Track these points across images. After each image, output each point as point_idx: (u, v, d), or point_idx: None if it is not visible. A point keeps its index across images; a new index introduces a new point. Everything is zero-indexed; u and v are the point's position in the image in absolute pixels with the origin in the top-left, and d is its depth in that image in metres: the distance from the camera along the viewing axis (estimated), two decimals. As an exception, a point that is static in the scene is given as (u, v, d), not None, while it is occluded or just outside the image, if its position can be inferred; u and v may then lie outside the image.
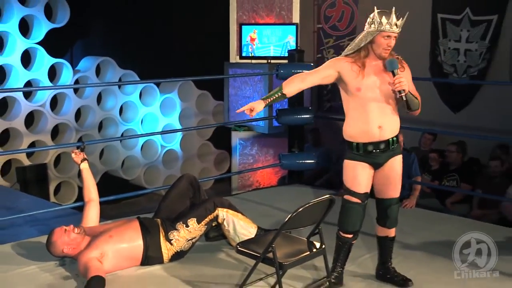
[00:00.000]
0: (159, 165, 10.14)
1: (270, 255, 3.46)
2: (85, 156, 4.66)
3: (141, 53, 9.65)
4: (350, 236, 3.90)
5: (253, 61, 9.15)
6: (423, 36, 8.76)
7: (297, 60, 6.78)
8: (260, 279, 3.87)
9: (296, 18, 9.22)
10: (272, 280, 3.88)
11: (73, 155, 4.65)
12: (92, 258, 3.94)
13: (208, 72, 8.44)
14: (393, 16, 3.67)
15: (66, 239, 4.04)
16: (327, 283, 3.77)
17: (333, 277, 3.87)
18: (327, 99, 10.18)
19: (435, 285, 3.99)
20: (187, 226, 4.26)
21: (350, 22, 9.79)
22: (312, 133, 8.85)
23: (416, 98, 3.79)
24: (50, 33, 8.92)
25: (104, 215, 4.70)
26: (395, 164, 3.88)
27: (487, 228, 5.39)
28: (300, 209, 3.42)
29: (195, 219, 4.28)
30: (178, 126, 10.03)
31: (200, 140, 10.49)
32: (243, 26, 9.19)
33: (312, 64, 6.99)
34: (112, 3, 9.23)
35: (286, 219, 3.41)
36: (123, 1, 9.27)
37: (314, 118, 6.97)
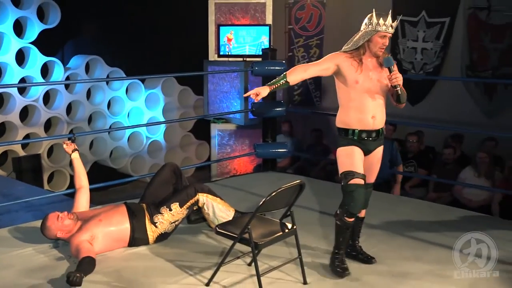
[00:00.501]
0: (144, 155, 10.11)
1: (246, 235, 3.47)
2: (76, 147, 4.64)
3: (127, 52, 9.60)
4: (353, 219, 3.86)
5: (230, 59, 9.12)
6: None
7: (270, 58, 6.78)
8: (238, 257, 3.88)
9: (269, 20, 9.21)
10: (248, 258, 3.90)
11: (64, 146, 4.63)
12: (83, 240, 3.93)
13: (189, 69, 8.43)
14: (389, 18, 3.72)
15: (60, 224, 4.04)
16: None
17: (337, 262, 3.83)
18: (297, 94, 10.21)
19: (395, 261, 4.03)
20: (170, 210, 4.26)
21: (318, 23, 9.82)
22: (284, 125, 8.87)
23: (404, 92, 3.87)
24: (43, 34, 8.84)
25: (94, 201, 4.69)
26: (379, 153, 3.97)
27: (441, 209, 5.49)
28: (273, 194, 3.43)
29: (177, 203, 4.29)
30: (162, 119, 10.01)
31: (182, 131, 10.48)
32: (220, 27, 9.16)
33: (283, 61, 6.99)
34: (100, 6, 9.15)
35: (261, 202, 3.42)
36: (111, 4, 9.19)
37: (286, 111, 6.99)
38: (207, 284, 3.65)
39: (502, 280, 3.74)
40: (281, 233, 3.68)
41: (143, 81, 9.97)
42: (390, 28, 3.74)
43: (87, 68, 9.41)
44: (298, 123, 9.38)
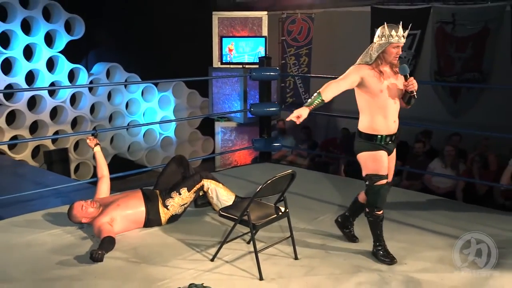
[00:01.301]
0: (157, 149, 10.11)
1: (246, 218, 3.47)
2: (98, 142, 4.64)
3: (142, 60, 9.58)
4: (382, 212, 3.78)
5: (231, 66, 9.12)
6: (364, 46, 8.79)
7: (266, 65, 6.77)
8: (238, 237, 3.87)
9: (265, 32, 9.21)
10: (247, 237, 3.90)
11: (88, 141, 4.65)
12: (104, 222, 3.94)
13: (196, 75, 8.43)
14: (400, 30, 3.59)
15: (84, 212, 4.05)
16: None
17: (381, 254, 3.71)
18: (289, 96, 10.20)
19: (371, 240, 4.02)
20: (180, 194, 4.27)
21: (307, 35, 9.81)
22: (278, 123, 8.87)
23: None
24: (69, 44, 8.83)
25: (114, 188, 4.68)
26: (394, 154, 3.87)
27: (413, 195, 5.49)
28: (269, 181, 3.43)
29: (186, 188, 4.30)
30: (172, 118, 10.00)
31: (190, 128, 10.47)
32: (223, 38, 9.16)
33: (277, 68, 6.98)
34: (119, 20, 9.13)
35: (258, 189, 3.43)
36: (129, 19, 9.17)
37: (279, 111, 6.99)
38: (212, 260, 3.65)
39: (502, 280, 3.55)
40: (275, 215, 3.68)
41: (156, 85, 9.96)
42: (402, 38, 3.62)
43: (108, 74, 9.40)
44: (290, 121, 9.36)
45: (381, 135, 3.69)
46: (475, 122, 7.59)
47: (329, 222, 4.42)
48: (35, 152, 8.67)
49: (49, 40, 8.71)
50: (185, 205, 4.34)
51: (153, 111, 10.02)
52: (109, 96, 9.56)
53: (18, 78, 8.33)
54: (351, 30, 9.09)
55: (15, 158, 8.15)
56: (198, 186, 4.36)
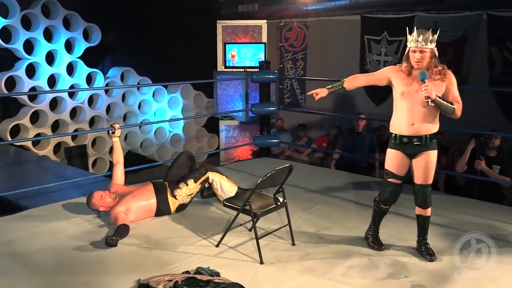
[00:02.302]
0: (167, 145, 10.10)
1: (248, 207, 3.47)
2: (116, 134, 4.65)
3: (153, 64, 9.57)
4: (387, 207, 3.69)
5: (234, 69, 9.10)
6: (355, 51, 8.79)
7: (265, 68, 6.75)
8: (240, 224, 3.87)
9: (264, 39, 9.18)
10: (249, 225, 3.89)
11: (110, 132, 4.70)
12: (120, 211, 3.94)
13: (202, 78, 8.40)
14: (416, 33, 3.31)
15: (102, 202, 4.04)
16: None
17: (371, 240, 3.66)
18: (286, 97, 10.18)
19: (362, 228, 4.01)
20: (187, 184, 4.27)
21: (303, 41, 9.78)
22: (277, 121, 8.86)
23: (449, 104, 3.37)
24: (87, 50, 8.81)
25: (128, 181, 4.67)
26: (426, 158, 3.48)
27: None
28: (268, 174, 3.42)
29: (192, 179, 4.30)
30: (181, 117, 9.98)
31: (197, 126, 10.46)
32: (226, 44, 9.13)
33: (276, 71, 6.95)
34: (132, 29, 9.11)
35: (259, 181, 3.42)
36: (141, 28, 9.15)
37: (278, 110, 6.96)
38: (217, 246, 3.64)
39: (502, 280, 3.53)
40: (274, 205, 3.67)
41: (166, 87, 9.95)
42: (417, 42, 3.31)
43: (122, 77, 9.38)
44: (288, 120, 9.36)
45: (396, 134, 3.52)
46: (455, 120, 7.56)
47: (322, 212, 4.41)
48: (57, 148, 8.67)
49: (68, 46, 8.69)
50: (192, 195, 4.33)
51: (163, 110, 10.01)
52: (123, 97, 9.54)
53: (41, 81, 8.32)
54: (343, 37, 9.08)
55: (38, 154, 8.14)
56: (203, 177, 4.36)
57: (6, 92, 7.89)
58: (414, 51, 3.34)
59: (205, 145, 10.57)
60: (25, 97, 8.19)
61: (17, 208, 4.59)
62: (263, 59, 8.72)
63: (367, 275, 3.24)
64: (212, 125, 10.23)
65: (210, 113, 10.05)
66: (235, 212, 3.61)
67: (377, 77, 3.63)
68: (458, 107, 3.41)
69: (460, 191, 5.87)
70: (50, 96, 8.46)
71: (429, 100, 3.29)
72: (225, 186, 4.45)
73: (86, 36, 8.87)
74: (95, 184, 5.19)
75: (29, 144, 8.18)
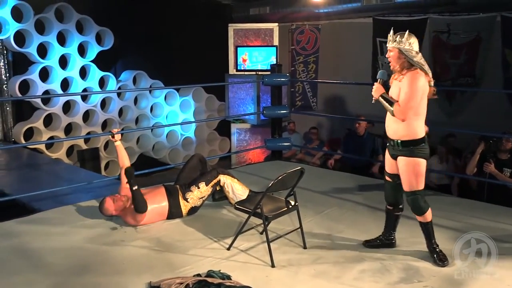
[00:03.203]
0: (179, 148, 10.12)
1: (259, 210, 3.46)
2: (117, 139, 4.56)
3: (165, 68, 9.60)
4: (390, 207, 3.65)
5: (246, 73, 9.11)
6: (366, 54, 8.75)
7: (277, 72, 6.75)
8: (252, 228, 3.87)
9: (276, 42, 9.18)
10: (260, 228, 3.88)
11: (111, 137, 4.65)
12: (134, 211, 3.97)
13: (213, 81, 8.42)
14: (391, 33, 3.35)
15: (115, 205, 4.05)
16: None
17: (384, 237, 3.67)
18: (298, 100, 10.17)
19: (375, 231, 3.98)
20: (198, 188, 4.27)
21: (315, 44, 9.77)
22: (288, 124, 8.85)
23: (389, 104, 3.31)
24: (100, 54, 8.86)
25: (141, 184, 4.67)
26: (401, 163, 3.39)
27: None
28: (280, 177, 3.42)
29: (204, 182, 4.30)
30: (192, 120, 10.00)
31: (208, 130, 10.47)
32: (238, 48, 9.14)
33: (287, 74, 6.94)
34: (144, 33, 9.17)
35: (270, 184, 3.41)
36: (153, 31, 9.20)
37: (289, 113, 6.96)
38: (228, 249, 3.64)
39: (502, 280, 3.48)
40: (286, 208, 3.66)
41: (178, 90, 9.97)
42: (390, 42, 3.34)
43: (134, 80, 9.42)
44: (300, 123, 9.35)
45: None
46: (468, 122, 7.52)
47: (334, 215, 4.39)
48: (70, 151, 8.72)
49: (81, 50, 8.76)
50: (203, 198, 4.33)
51: (175, 114, 10.04)
52: (136, 100, 9.59)
53: (54, 84, 8.39)
54: (355, 40, 9.05)
55: (51, 157, 8.21)
56: (215, 180, 4.36)
57: (20, 95, 7.97)
58: (388, 51, 3.42)
59: (216, 148, 10.58)
60: (39, 100, 8.27)
61: (30, 210, 4.64)
62: (274, 62, 8.72)
63: (379, 279, 3.22)
64: (223, 128, 10.24)
65: (222, 116, 10.06)
66: (246, 215, 3.60)
67: None
68: (396, 109, 3.27)
69: (474, 195, 5.82)
70: (63, 99, 8.52)
71: (373, 100, 3.38)
72: (236, 189, 4.44)
73: (99, 40, 8.93)
74: (108, 187, 5.22)
75: (42, 147, 8.25)
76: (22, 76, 8.11)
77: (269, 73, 7.10)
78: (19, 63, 8.39)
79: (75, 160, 8.59)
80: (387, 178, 3.61)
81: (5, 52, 8.35)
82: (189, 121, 9.98)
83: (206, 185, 4.31)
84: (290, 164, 6.60)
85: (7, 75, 8.41)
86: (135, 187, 3.94)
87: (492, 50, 7.65)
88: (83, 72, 8.82)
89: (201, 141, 10.37)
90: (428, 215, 3.46)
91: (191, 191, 4.26)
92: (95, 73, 8.86)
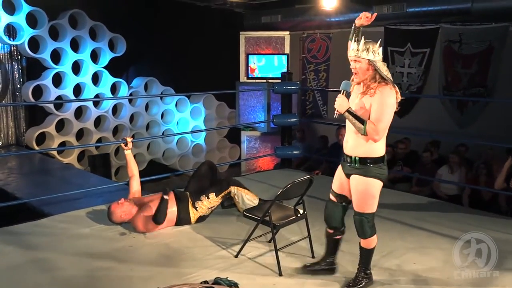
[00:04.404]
0: (189, 155, 10.14)
1: (267, 218, 3.46)
2: (128, 147, 4.64)
3: (176, 75, 9.64)
4: (331, 231, 3.34)
5: (256, 80, 9.13)
6: (377, 63, 8.72)
7: (287, 79, 6.76)
8: (260, 236, 3.86)
9: (287, 50, 9.19)
10: (268, 236, 3.87)
11: (123, 145, 4.68)
12: (145, 216, 4.03)
13: (224, 88, 8.45)
14: (355, 42, 3.05)
15: (121, 208, 4.07)
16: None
17: (324, 263, 3.40)
18: (309, 108, 10.16)
19: (384, 241, 3.96)
20: (208, 198, 4.27)
21: (326, 52, 9.78)
22: (298, 132, 8.83)
23: (360, 121, 2.93)
24: (112, 60, 8.93)
25: (151, 189, 4.73)
26: (353, 181, 3.10)
27: (422, 200, 5.39)
28: (289, 186, 3.42)
29: (214, 193, 4.29)
30: (203, 127, 10.03)
31: (218, 137, 10.48)
32: (249, 55, 9.17)
33: (298, 82, 6.95)
34: (156, 40, 9.23)
35: (279, 192, 3.41)
36: (165, 38, 9.26)
37: (299, 122, 6.96)
38: (236, 256, 3.64)
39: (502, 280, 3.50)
40: (294, 217, 3.65)
41: (188, 97, 10.01)
42: (352, 51, 3.02)
43: (146, 87, 9.47)
44: (309, 131, 9.33)
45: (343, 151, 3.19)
46: (480, 133, 7.46)
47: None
48: (81, 156, 8.78)
49: (94, 56, 8.83)
50: (213, 208, 4.34)
51: (185, 120, 10.07)
52: (147, 107, 9.64)
53: (67, 90, 8.46)
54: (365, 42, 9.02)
55: (63, 162, 8.28)
56: (225, 192, 4.36)
57: (33, 100, 8.05)
58: (351, 61, 3.05)
59: (226, 156, 10.58)
60: (51, 106, 8.35)
61: (40, 215, 4.67)
62: (285, 70, 8.72)
63: (387, 289, 3.19)
64: (233, 136, 10.25)
65: (232, 123, 10.07)
66: (254, 223, 3.60)
67: None
68: (370, 128, 2.92)
69: (486, 206, 5.76)
70: (75, 105, 8.60)
71: (337, 113, 3.00)
72: (246, 200, 4.44)
73: (112, 46, 9.01)
74: (118, 192, 5.24)
75: (54, 152, 8.32)
76: (35, 82, 8.20)
77: (279, 81, 7.11)
78: (33, 69, 8.50)
79: (86, 165, 8.64)
80: (332, 197, 3.28)
81: (19, 57, 8.47)
82: (199, 128, 10.01)
83: (216, 195, 4.31)
84: (299, 172, 6.58)
85: (21, 80, 8.52)
86: (166, 197, 3.97)
87: (504, 60, 7.60)
88: (96, 78, 8.89)
89: (211, 148, 10.38)
90: (372, 241, 3.18)
91: (200, 200, 4.27)
92: (107, 79, 8.92)
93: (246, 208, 4.00)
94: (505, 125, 7.10)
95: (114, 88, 9.11)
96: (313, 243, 3.71)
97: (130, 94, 9.14)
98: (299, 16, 9.09)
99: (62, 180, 6.73)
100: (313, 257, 3.64)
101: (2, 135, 8.52)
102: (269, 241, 3.84)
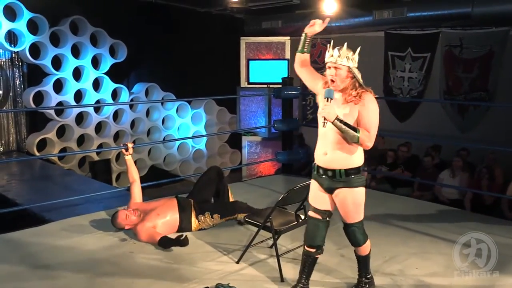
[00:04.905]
0: (190, 160, 10.14)
1: (269, 224, 3.44)
2: (129, 153, 4.65)
3: (177, 80, 9.66)
4: (313, 250, 3.12)
5: (257, 85, 9.13)
6: (378, 68, 8.74)
7: (288, 85, 6.75)
8: (262, 241, 3.84)
9: (287, 55, 9.19)
10: (270, 242, 3.86)
11: (123, 151, 4.68)
12: (149, 227, 4.00)
13: (225, 94, 8.45)
14: (332, 49, 2.95)
15: (128, 221, 4.06)
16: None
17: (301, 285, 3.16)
18: (310, 113, 10.15)
19: (386, 246, 3.96)
20: (212, 217, 4.23)
21: (326, 58, 9.77)
22: (298, 137, 8.82)
23: (352, 130, 2.81)
24: (113, 66, 8.95)
25: (152, 195, 4.71)
26: (340, 196, 2.98)
27: (424, 205, 5.37)
28: (290, 191, 3.40)
29: (219, 215, 4.25)
30: (204, 132, 10.03)
31: (219, 142, 10.48)
32: (250, 61, 9.17)
33: (299, 87, 6.94)
34: (157, 45, 9.25)
35: (280, 198, 3.39)
36: (165, 44, 9.28)
37: (300, 127, 6.95)
38: (237, 262, 3.62)
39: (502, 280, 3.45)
40: (296, 222, 3.64)
41: (189, 102, 10.02)
42: (331, 57, 2.91)
43: (147, 93, 9.49)
44: (310, 136, 9.32)
45: (315, 163, 3.06)
46: (481, 137, 7.45)
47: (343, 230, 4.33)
48: (82, 162, 8.78)
49: (95, 62, 8.85)
50: (215, 224, 4.30)
51: (186, 126, 10.08)
52: (148, 112, 9.65)
53: (68, 96, 8.47)
54: (366, 54, 9.00)
55: (64, 168, 8.27)
56: (231, 218, 4.33)
57: (34, 106, 8.06)
58: (329, 67, 2.93)
59: (227, 161, 10.57)
60: (52, 112, 8.35)
61: (41, 221, 4.66)
62: (285, 75, 8.72)
63: (390, 295, 3.17)
64: (234, 141, 10.25)
65: (233, 128, 10.07)
66: (256, 229, 3.58)
67: (313, 82, 3.16)
68: (365, 136, 2.82)
69: (488, 210, 5.74)
70: (76, 111, 8.60)
71: (325, 122, 2.84)
72: None
73: (112, 52, 9.02)
74: (118, 198, 5.24)
75: (55, 158, 8.32)
76: (36, 88, 8.21)
77: (280, 86, 7.11)
78: (34, 75, 8.51)
79: (87, 171, 8.63)
80: (314, 215, 3.10)
81: (20, 64, 8.49)
82: (200, 134, 10.01)
83: (221, 218, 4.27)
84: (300, 177, 6.57)
85: (22, 86, 8.53)
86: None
87: (505, 64, 7.60)
88: (97, 84, 8.90)
89: (212, 153, 10.38)
90: (367, 247, 3.14)
91: (204, 215, 4.22)
92: (108, 85, 8.94)
93: (247, 214, 3.98)
94: (506, 129, 7.08)
95: (115, 94, 9.12)
96: (314, 248, 3.68)
97: (131, 100, 9.15)
98: (300, 21, 9.09)
99: (63, 186, 6.72)
100: (314, 262, 3.62)
101: (3, 141, 8.52)
102: (271, 247, 3.82)
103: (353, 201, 2.99)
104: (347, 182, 2.94)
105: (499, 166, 6.66)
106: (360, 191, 3.00)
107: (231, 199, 4.53)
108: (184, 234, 3.68)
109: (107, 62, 8.88)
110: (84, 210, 4.85)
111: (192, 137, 9.88)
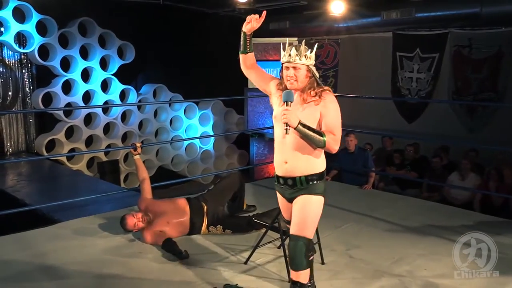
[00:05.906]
0: (198, 161, 10.16)
1: (277, 224, 3.44)
2: (137, 152, 4.61)
3: (185, 81, 9.69)
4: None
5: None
6: (386, 68, 8.71)
7: (295, 85, 6.73)
8: (269, 242, 3.84)
9: (295, 56, 9.18)
10: (277, 242, 3.85)
11: (132, 150, 4.66)
12: (157, 231, 3.97)
13: (232, 95, 8.45)
14: (288, 48, 2.74)
15: (136, 227, 4.04)
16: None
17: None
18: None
19: (395, 247, 3.94)
20: (223, 231, 4.20)
21: (334, 58, 9.76)
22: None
23: (317, 134, 2.59)
24: (121, 67, 8.99)
25: (160, 196, 4.69)
26: (299, 202, 2.73)
27: (433, 206, 5.34)
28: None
29: (232, 231, 4.21)
30: (211, 133, 10.05)
31: (227, 143, 10.50)
32: (257, 62, 9.16)
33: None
34: (164, 47, 9.28)
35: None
36: (173, 46, 9.32)
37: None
38: (245, 263, 3.62)
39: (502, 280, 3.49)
40: (303, 223, 3.62)
41: (197, 103, 10.05)
42: (289, 56, 2.67)
43: (155, 94, 9.53)
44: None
45: (276, 173, 2.83)
46: (490, 138, 7.39)
47: (351, 230, 4.34)
48: (90, 163, 8.83)
49: (103, 64, 8.90)
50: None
51: (194, 127, 10.10)
52: (156, 113, 9.69)
53: (76, 97, 8.53)
54: (374, 54, 9.02)
55: (72, 168, 8.32)
56: (244, 233, 4.29)
57: (43, 107, 8.12)
58: (287, 68, 2.70)
59: (235, 162, 10.59)
60: (61, 113, 8.41)
61: (50, 221, 4.69)
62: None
63: (398, 296, 3.16)
64: (242, 142, 10.26)
65: (241, 129, 10.08)
66: (263, 229, 3.58)
67: (263, 82, 2.99)
68: (331, 139, 2.62)
69: (497, 211, 5.70)
70: (84, 112, 8.66)
71: (288, 128, 2.55)
72: None
73: (121, 53, 9.07)
74: (127, 199, 5.26)
75: (63, 158, 8.37)
76: (45, 89, 8.27)
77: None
78: (43, 76, 8.58)
79: (95, 171, 8.68)
80: (287, 227, 2.94)
81: (29, 65, 8.56)
82: (208, 134, 10.03)
83: (232, 233, 4.22)
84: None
85: (31, 87, 8.60)
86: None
87: (514, 65, 7.54)
88: (105, 85, 8.95)
89: (220, 154, 10.39)
90: (305, 276, 2.71)
91: (216, 228, 4.19)
92: (116, 86, 8.98)
93: (255, 215, 3.98)
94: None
95: (123, 95, 9.17)
96: (322, 249, 3.68)
97: (139, 101, 9.19)
98: (307, 22, 9.10)
99: (71, 186, 6.76)
100: (322, 263, 3.62)
101: (12, 142, 8.59)
102: (279, 248, 3.82)
103: (309, 208, 2.70)
104: (307, 189, 2.71)
105: (508, 167, 6.61)
106: (319, 200, 2.73)
107: (244, 206, 4.50)
108: (184, 250, 3.65)
109: (115, 63, 8.92)
110: (93, 211, 4.88)
111: (200, 137, 9.90)
